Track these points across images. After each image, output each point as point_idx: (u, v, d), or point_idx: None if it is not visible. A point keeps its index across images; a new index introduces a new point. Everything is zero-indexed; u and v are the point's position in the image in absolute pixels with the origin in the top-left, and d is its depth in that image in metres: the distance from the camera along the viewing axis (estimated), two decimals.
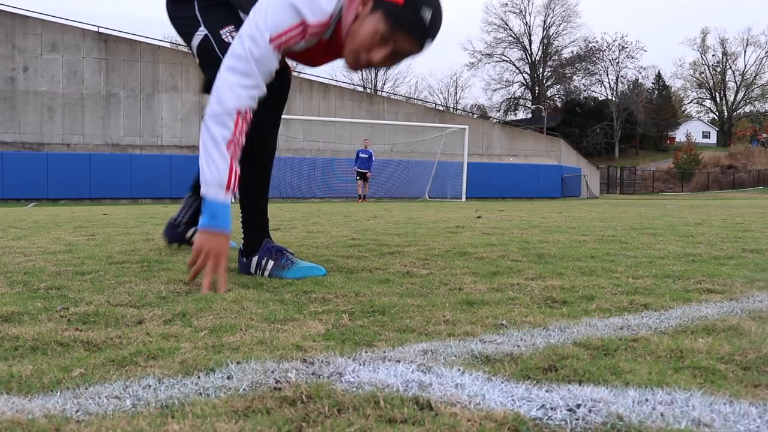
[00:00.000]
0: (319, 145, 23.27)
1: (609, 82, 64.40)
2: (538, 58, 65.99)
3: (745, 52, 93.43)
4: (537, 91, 65.48)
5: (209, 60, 2.35)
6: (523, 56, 66.38)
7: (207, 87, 2.39)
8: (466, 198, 20.18)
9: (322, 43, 2.25)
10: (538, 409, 0.97)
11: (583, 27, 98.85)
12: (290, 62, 2.53)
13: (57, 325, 1.52)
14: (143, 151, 21.07)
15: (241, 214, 2.52)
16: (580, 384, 1.09)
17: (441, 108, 43.01)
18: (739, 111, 70.38)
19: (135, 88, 21.29)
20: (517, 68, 66.70)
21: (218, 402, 0.99)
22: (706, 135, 71.01)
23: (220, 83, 2.07)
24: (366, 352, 1.29)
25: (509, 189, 25.09)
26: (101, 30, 21.22)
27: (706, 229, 4.83)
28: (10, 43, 20.00)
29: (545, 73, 66.66)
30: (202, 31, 2.39)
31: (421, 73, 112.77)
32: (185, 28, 2.47)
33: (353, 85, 48.76)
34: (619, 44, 62.88)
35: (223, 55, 2.19)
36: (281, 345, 1.35)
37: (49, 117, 20.31)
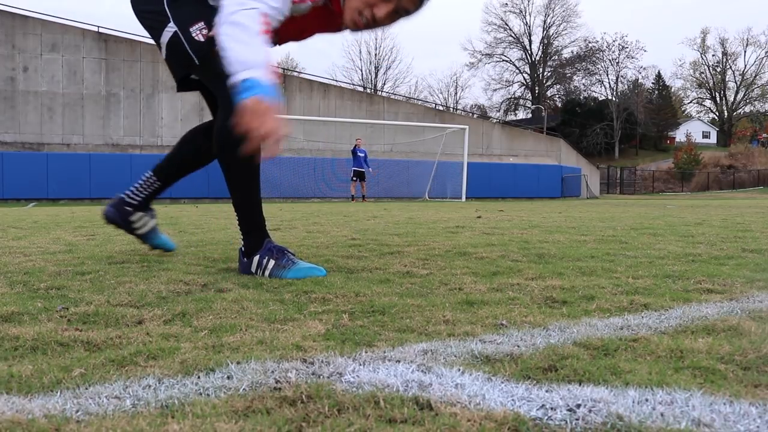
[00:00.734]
0: (319, 145, 23.27)
1: (609, 82, 64.45)
2: (538, 58, 66.00)
3: (745, 52, 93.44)
4: (537, 91, 65.48)
5: (179, 59, 2.31)
6: (523, 56, 66.41)
7: (181, 86, 2.43)
8: (466, 198, 20.18)
9: (316, 9, 2.23)
10: (538, 409, 0.97)
11: (583, 27, 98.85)
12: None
13: (57, 325, 1.52)
14: (143, 151, 21.07)
15: (237, 216, 2.47)
16: (580, 384, 1.09)
17: (441, 108, 43.01)
18: (739, 111, 70.38)
19: (135, 88, 21.29)
20: (517, 68, 66.74)
21: (218, 402, 0.99)
22: (706, 135, 71.01)
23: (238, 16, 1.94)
24: (366, 352, 1.29)
25: (509, 189, 25.08)
26: (101, 30, 21.22)
27: (706, 229, 4.83)
28: (10, 43, 20.00)
29: (545, 73, 66.66)
30: (171, 28, 2.30)
31: (421, 73, 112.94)
32: (153, 23, 2.37)
33: (353, 85, 48.78)
34: (619, 44, 62.93)
35: (194, 54, 2.20)
36: (281, 345, 1.35)
37: (49, 117, 20.31)
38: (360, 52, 63.68)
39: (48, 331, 1.43)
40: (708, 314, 1.66)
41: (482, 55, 65.67)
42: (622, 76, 63.83)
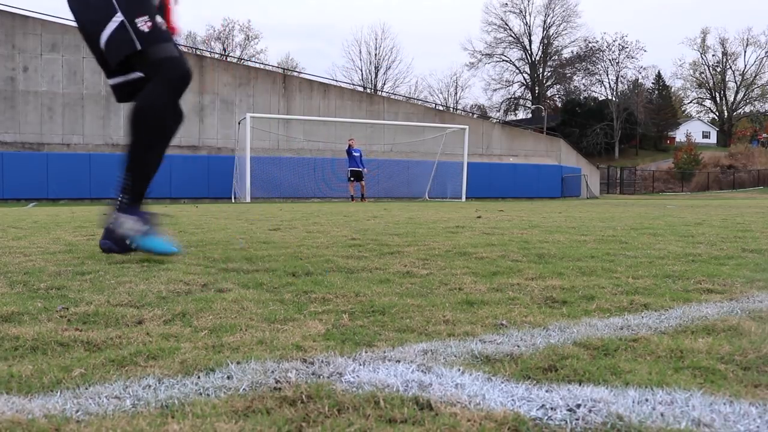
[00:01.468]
0: (319, 145, 23.26)
1: (609, 82, 64.44)
2: (538, 58, 65.99)
3: (745, 52, 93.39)
4: (537, 91, 65.47)
5: (121, 50, 2.49)
6: (523, 56, 66.39)
7: (122, 97, 2.68)
8: (466, 198, 20.18)
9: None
10: (538, 409, 0.97)
11: (583, 27, 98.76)
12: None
13: (57, 325, 1.52)
14: None
15: (127, 176, 2.63)
16: (580, 384, 1.09)
17: (441, 108, 43.00)
18: (739, 111, 70.36)
19: None
20: (517, 68, 66.72)
21: (218, 402, 0.99)
22: (706, 135, 70.99)
23: None
24: (366, 352, 1.29)
25: (509, 189, 25.08)
26: None
27: (706, 229, 4.83)
28: (10, 43, 19.99)
29: (545, 73, 66.65)
30: (118, 18, 2.47)
31: (421, 73, 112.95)
32: (97, 16, 2.52)
33: (353, 85, 48.79)
34: (619, 44, 62.90)
35: (141, 45, 2.39)
36: (281, 345, 1.35)
37: (49, 117, 20.31)
38: (360, 52, 63.66)
39: (48, 331, 1.43)
40: (708, 314, 1.66)
41: (482, 55, 65.70)
42: (622, 76, 63.86)
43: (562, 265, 2.60)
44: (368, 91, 46.89)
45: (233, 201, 18.49)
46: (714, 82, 70.60)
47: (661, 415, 0.94)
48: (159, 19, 2.52)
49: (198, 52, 36.00)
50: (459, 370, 1.17)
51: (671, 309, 1.74)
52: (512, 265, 2.61)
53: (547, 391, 1.05)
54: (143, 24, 2.45)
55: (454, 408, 0.96)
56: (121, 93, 2.70)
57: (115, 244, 2.70)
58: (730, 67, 69.47)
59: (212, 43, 58.07)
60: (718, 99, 71.89)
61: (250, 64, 37.93)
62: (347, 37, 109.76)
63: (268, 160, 20.30)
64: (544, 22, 65.15)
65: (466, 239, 3.84)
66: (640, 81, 64.53)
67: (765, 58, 66.60)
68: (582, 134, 56.33)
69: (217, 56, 43.24)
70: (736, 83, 69.24)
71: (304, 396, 1.01)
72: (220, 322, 1.56)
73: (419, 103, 37.04)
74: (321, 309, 1.74)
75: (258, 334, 1.44)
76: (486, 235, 4.14)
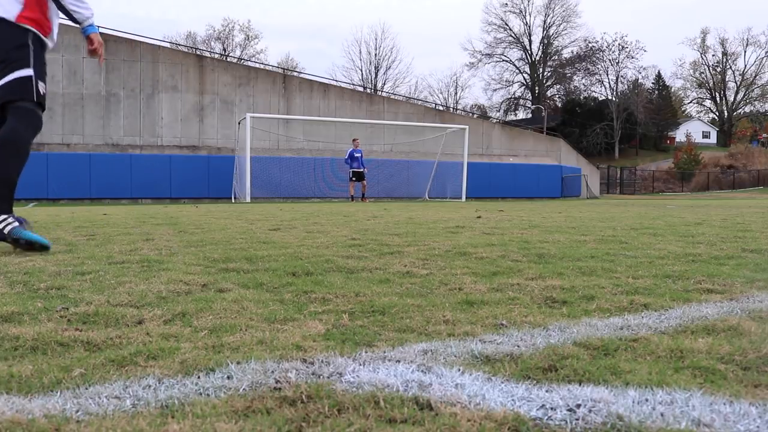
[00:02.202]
0: (319, 145, 23.26)
1: (609, 82, 64.40)
2: (538, 58, 65.98)
3: (745, 52, 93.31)
4: (537, 91, 65.45)
5: (23, 92, 3.27)
6: (523, 56, 66.38)
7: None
8: (466, 198, 20.18)
9: None
10: (538, 409, 0.97)
11: (583, 27, 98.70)
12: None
13: (57, 325, 1.52)
14: (143, 151, 21.07)
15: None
16: (580, 384, 1.09)
17: (441, 108, 43.00)
18: (739, 111, 70.34)
19: (135, 88, 21.29)
20: (517, 68, 66.71)
21: (218, 402, 0.99)
22: (706, 135, 70.97)
23: None
24: (366, 352, 1.29)
25: (509, 189, 25.08)
26: (101, 30, 21.20)
27: (706, 229, 4.83)
28: None
29: (545, 73, 66.63)
30: (29, 71, 3.30)
31: (421, 73, 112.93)
32: (8, 55, 3.25)
33: (353, 85, 48.79)
34: (619, 44, 62.86)
35: (37, 97, 3.28)
36: (281, 345, 1.35)
37: (49, 117, 20.30)
38: (360, 52, 63.63)
39: (48, 331, 1.43)
40: (708, 314, 1.66)
41: (482, 55, 65.68)
42: (622, 76, 63.81)
43: (562, 265, 2.60)
44: (368, 91, 46.90)
45: (233, 201, 18.49)
46: (714, 82, 70.59)
47: (661, 415, 0.94)
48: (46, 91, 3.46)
49: (198, 52, 36.03)
50: (459, 370, 1.17)
51: (671, 309, 1.74)
52: (512, 265, 2.61)
53: (547, 391, 1.05)
54: (42, 87, 3.37)
55: (454, 408, 0.96)
56: None
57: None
58: (730, 67, 69.49)
59: (212, 43, 58.12)
60: (718, 99, 71.89)
61: (250, 64, 37.94)
62: (347, 37, 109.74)
63: (268, 160, 20.30)
64: (544, 22, 65.16)
65: (466, 239, 3.84)
66: (640, 81, 64.53)
67: (765, 58, 66.61)
68: (582, 134, 56.31)
69: (217, 56, 43.26)
70: (736, 83, 69.24)
71: (304, 396, 1.01)
72: (220, 322, 1.56)
73: (419, 103, 37.04)
74: (321, 309, 1.74)
75: (258, 334, 1.44)
76: (486, 235, 4.14)
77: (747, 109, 70.54)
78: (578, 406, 0.98)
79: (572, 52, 65.06)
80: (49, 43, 3.50)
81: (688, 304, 1.80)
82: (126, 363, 1.21)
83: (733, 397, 1.03)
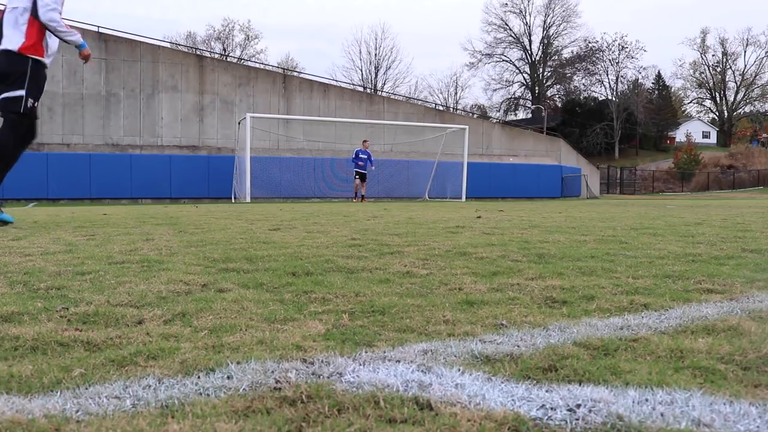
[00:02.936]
0: (319, 145, 23.26)
1: (609, 82, 64.37)
2: (538, 58, 65.95)
3: (745, 52, 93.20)
4: (537, 91, 65.43)
5: (13, 106, 4.36)
6: (523, 56, 66.35)
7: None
8: (466, 198, 20.18)
9: None
10: (538, 409, 0.97)
11: (583, 27, 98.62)
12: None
13: (57, 325, 1.52)
14: (143, 151, 21.06)
15: None
16: (580, 384, 1.09)
17: (441, 108, 42.99)
18: (739, 111, 70.30)
19: (135, 88, 21.28)
20: (517, 68, 66.68)
21: (218, 402, 0.99)
22: (706, 135, 70.94)
23: (53, 14, 4.46)
24: (366, 352, 1.29)
25: (509, 189, 25.08)
26: (101, 30, 21.21)
27: (706, 229, 4.83)
28: None
29: (545, 73, 66.60)
30: (21, 92, 4.37)
31: (421, 73, 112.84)
32: (10, 78, 4.39)
33: (353, 85, 48.78)
34: (619, 44, 62.82)
35: (24, 110, 4.38)
36: (281, 345, 1.35)
37: (49, 117, 20.31)
38: (360, 52, 63.57)
39: (48, 331, 1.43)
40: (708, 314, 1.66)
41: (482, 55, 65.65)
42: (622, 76, 63.77)
43: (562, 265, 2.60)
44: (368, 91, 46.88)
45: (233, 201, 18.49)
46: (714, 82, 70.57)
47: (661, 415, 0.94)
48: (37, 104, 4.52)
49: (198, 52, 36.03)
50: (459, 370, 1.17)
51: (671, 309, 1.74)
52: (512, 265, 2.61)
53: (547, 391, 1.05)
54: (32, 103, 4.42)
55: (454, 408, 0.96)
56: None
57: None
58: (730, 67, 69.46)
59: (212, 43, 58.10)
60: (718, 99, 71.86)
61: (250, 64, 37.93)
62: (347, 37, 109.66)
63: (268, 160, 20.30)
64: (544, 22, 65.14)
65: (466, 239, 3.84)
66: (640, 81, 64.50)
67: (765, 58, 66.58)
68: (582, 134, 56.30)
69: (217, 56, 43.26)
70: (736, 83, 69.21)
71: (304, 396, 1.01)
72: (220, 322, 1.56)
73: (419, 103, 37.03)
74: (321, 309, 1.74)
75: (258, 334, 1.44)
76: (486, 235, 4.14)
77: (747, 109, 70.53)
78: (578, 406, 0.98)
79: (572, 52, 65.06)
80: (47, 60, 4.65)
81: (688, 304, 1.80)
82: (126, 363, 1.21)
83: (733, 397, 1.03)
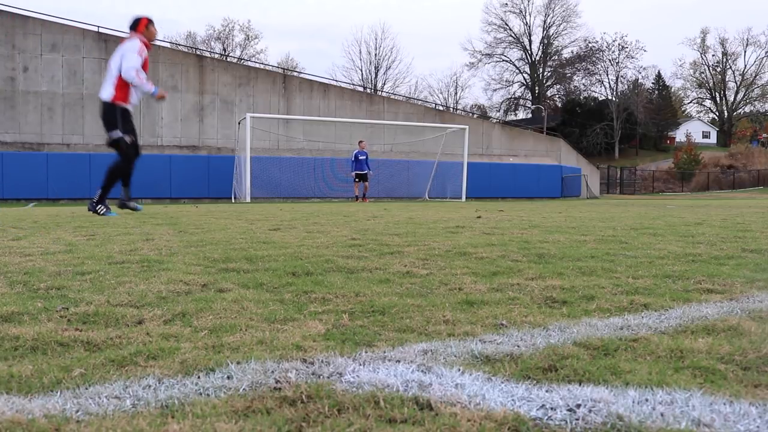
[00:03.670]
0: (319, 145, 23.25)
1: (609, 82, 64.35)
2: (538, 58, 65.94)
3: (745, 52, 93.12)
4: (537, 91, 65.42)
5: (116, 146, 6.27)
6: (523, 56, 66.34)
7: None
8: (466, 198, 20.18)
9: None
10: (538, 409, 0.97)
11: (583, 27, 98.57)
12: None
13: (57, 325, 1.52)
14: (143, 151, 21.07)
15: (103, 188, 6.48)
16: (580, 384, 1.09)
17: (441, 108, 42.98)
18: (739, 111, 70.29)
19: None
20: (517, 68, 66.66)
21: (218, 402, 0.99)
22: (706, 135, 70.92)
23: (132, 72, 6.14)
24: (366, 352, 1.29)
25: (509, 189, 25.07)
26: (101, 30, 21.21)
27: (706, 229, 4.83)
28: (10, 43, 19.99)
29: (545, 73, 66.59)
30: (118, 133, 6.18)
31: (421, 73, 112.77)
32: (109, 121, 6.21)
33: (353, 85, 48.77)
34: (619, 44, 62.80)
35: (123, 144, 6.25)
36: (281, 345, 1.35)
37: (49, 117, 20.31)
38: (360, 52, 63.51)
39: (48, 331, 1.43)
40: (708, 314, 1.66)
41: (482, 55, 65.63)
42: (622, 76, 63.75)
43: (562, 265, 2.60)
44: (368, 91, 46.88)
45: (233, 201, 18.49)
46: (714, 82, 70.56)
47: (661, 415, 0.94)
48: (132, 137, 6.34)
49: (198, 52, 36.03)
50: (459, 370, 1.17)
51: (671, 309, 1.74)
52: (512, 265, 2.61)
53: (547, 391, 1.05)
54: (129, 139, 6.25)
55: (454, 408, 0.96)
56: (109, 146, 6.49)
57: (92, 210, 6.62)
58: (730, 67, 69.44)
59: (212, 43, 58.07)
60: (718, 99, 71.85)
61: (250, 64, 37.92)
62: (347, 37, 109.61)
63: (268, 160, 20.30)
64: (544, 22, 65.14)
65: (466, 239, 3.84)
66: (640, 81, 64.50)
67: (765, 58, 66.56)
68: (582, 134, 56.29)
69: (217, 56, 43.26)
70: (736, 83, 69.19)
71: (304, 396, 1.01)
72: (220, 322, 1.56)
73: (419, 103, 37.02)
74: (321, 309, 1.74)
75: (258, 334, 1.44)
76: (486, 235, 4.14)
77: (747, 109, 70.52)
78: (578, 406, 0.98)
79: (572, 52, 65.06)
80: (130, 107, 6.34)
81: (688, 304, 1.80)
82: (126, 363, 1.21)
83: (733, 397, 1.03)
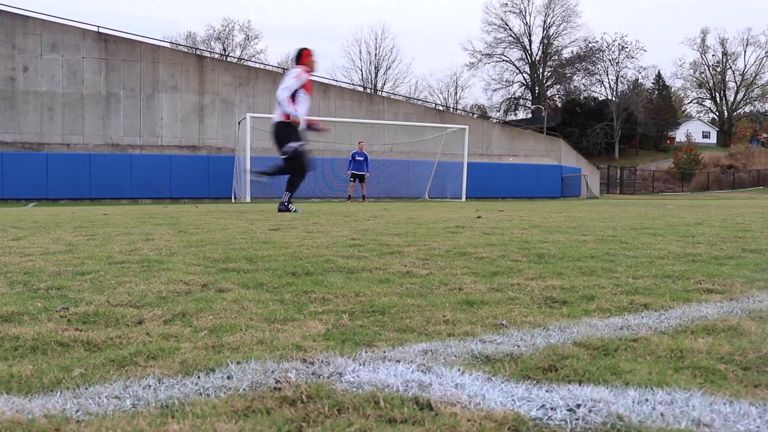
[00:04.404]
0: (319, 145, 23.25)
1: (609, 82, 64.34)
2: (538, 58, 65.94)
3: (745, 52, 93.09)
4: (537, 91, 65.41)
5: (291, 155, 7.63)
6: (523, 56, 66.34)
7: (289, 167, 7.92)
8: (466, 198, 20.18)
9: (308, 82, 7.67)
10: (538, 409, 0.97)
11: (583, 27, 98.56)
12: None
13: (57, 325, 1.52)
14: (143, 151, 21.06)
15: (289, 191, 7.78)
16: (580, 384, 1.09)
17: (441, 108, 42.98)
18: (739, 111, 70.27)
19: (135, 88, 21.28)
20: (517, 68, 66.67)
21: (218, 402, 0.99)
22: (706, 135, 70.92)
23: (282, 92, 7.50)
24: (366, 352, 1.29)
25: (509, 189, 25.07)
26: (101, 30, 21.21)
27: (706, 229, 4.83)
28: (10, 43, 19.99)
29: (545, 73, 66.59)
30: (295, 144, 7.50)
31: (421, 73, 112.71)
32: (284, 138, 7.50)
33: (353, 85, 48.76)
34: (619, 44, 62.79)
35: (296, 153, 7.63)
36: (281, 345, 1.35)
37: (49, 117, 20.31)
38: (360, 52, 63.51)
39: (48, 331, 1.43)
40: (708, 314, 1.66)
41: (482, 55, 65.63)
42: (622, 76, 63.74)
43: (562, 265, 2.60)
44: (368, 91, 46.87)
45: (233, 201, 18.49)
46: (714, 82, 70.55)
47: (661, 415, 0.94)
48: (305, 144, 7.66)
49: (198, 52, 36.04)
50: (459, 370, 1.17)
51: (671, 309, 1.74)
52: (512, 265, 2.61)
53: (547, 391, 1.05)
54: (299, 145, 7.46)
55: (454, 408, 0.96)
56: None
57: (284, 209, 7.51)
58: (730, 67, 69.43)
59: (212, 43, 58.07)
60: (718, 99, 71.84)
61: (250, 64, 37.93)
62: (347, 37, 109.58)
63: (268, 160, 20.28)
64: (544, 22, 65.15)
65: (466, 239, 3.84)
66: (640, 81, 64.49)
67: (765, 58, 66.55)
68: (582, 134, 56.28)
69: (217, 56, 43.26)
70: (736, 83, 69.19)
71: (304, 396, 1.01)
72: (220, 322, 1.56)
73: (419, 103, 37.03)
74: (321, 309, 1.74)
75: (258, 334, 1.44)
76: (486, 235, 4.14)
77: (747, 109, 70.51)
78: (578, 406, 0.98)
79: (572, 52, 65.05)
80: (302, 124, 7.60)
81: (688, 304, 1.80)
82: (126, 363, 1.21)
83: (733, 397, 1.03)
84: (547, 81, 67.09)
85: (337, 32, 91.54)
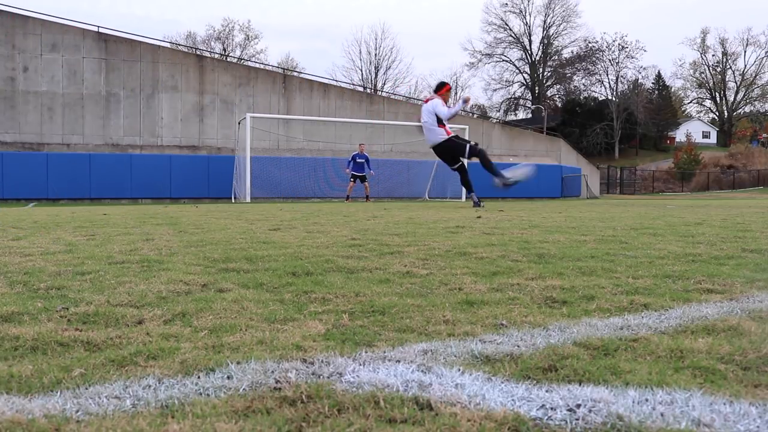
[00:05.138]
0: (319, 145, 23.26)
1: (609, 82, 64.33)
2: (538, 58, 65.94)
3: (745, 52, 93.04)
4: (537, 91, 65.40)
5: (471, 152, 9.85)
6: (523, 56, 66.33)
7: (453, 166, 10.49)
8: (466, 198, 20.17)
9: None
10: (538, 409, 0.97)
11: (583, 27, 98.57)
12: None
13: (57, 325, 1.52)
14: (143, 151, 21.06)
15: (493, 172, 9.55)
16: (580, 384, 1.09)
17: None
18: (739, 111, 70.26)
19: (135, 88, 21.28)
20: (517, 68, 66.66)
21: (218, 402, 0.99)
22: (706, 135, 70.91)
23: (446, 116, 9.80)
24: (366, 352, 1.29)
25: (509, 189, 25.09)
26: (101, 30, 21.21)
27: (706, 229, 4.83)
28: (10, 43, 19.99)
29: (545, 73, 66.59)
30: (466, 146, 9.83)
31: (421, 73, 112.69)
32: (451, 151, 10.02)
33: (353, 85, 48.75)
34: (619, 44, 62.78)
35: (473, 149, 9.99)
36: (281, 345, 1.35)
37: (49, 117, 20.31)
38: (360, 52, 63.49)
39: (48, 331, 1.43)
40: (708, 314, 1.66)
41: (482, 55, 65.62)
42: (622, 76, 63.74)
43: (562, 265, 2.60)
44: (368, 91, 46.86)
45: (233, 201, 18.49)
46: (714, 82, 70.53)
47: (661, 415, 0.94)
48: (471, 141, 10.18)
49: (198, 52, 36.03)
50: (459, 370, 1.17)
51: (671, 309, 1.74)
52: (512, 265, 2.61)
53: (547, 391, 1.05)
54: (471, 144, 9.76)
55: (454, 408, 0.96)
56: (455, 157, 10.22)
57: (478, 206, 9.60)
58: (730, 67, 69.41)
59: (212, 43, 58.06)
60: (718, 99, 71.82)
61: (250, 64, 37.95)
62: (347, 37, 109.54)
63: (268, 160, 20.30)
64: (544, 22, 65.13)
65: (466, 239, 3.84)
66: (640, 81, 64.48)
67: (765, 58, 66.53)
68: (582, 134, 56.27)
69: (217, 56, 43.27)
70: (736, 83, 69.17)
71: (304, 396, 1.01)
72: (220, 322, 1.56)
73: (419, 103, 37.02)
74: (321, 309, 1.74)
75: (258, 334, 1.44)
76: (486, 235, 4.14)
77: (747, 109, 70.50)
78: (578, 406, 0.98)
79: (572, 52, 65.05)
80: (453, 134, 9.49)
81: (688, 304, 1.80)
82: (126, 363, 1.21)
83: (733, 397, 1.03)
84: (547, 81, 67.09)
85: (337, 32, 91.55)
